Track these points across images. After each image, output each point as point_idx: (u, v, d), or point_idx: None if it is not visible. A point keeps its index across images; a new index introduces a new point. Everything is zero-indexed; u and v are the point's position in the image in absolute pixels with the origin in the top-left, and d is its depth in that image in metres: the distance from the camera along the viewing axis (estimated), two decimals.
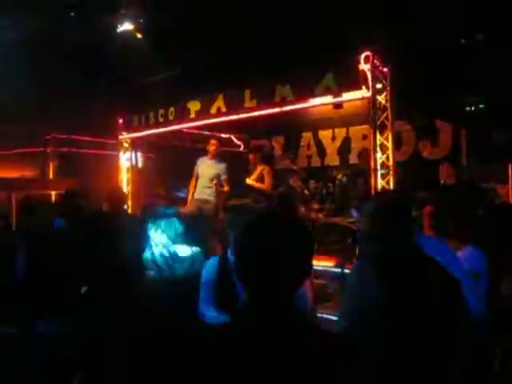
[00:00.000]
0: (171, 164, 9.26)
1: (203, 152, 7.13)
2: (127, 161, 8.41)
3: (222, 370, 1.12)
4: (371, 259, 1.79)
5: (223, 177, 6.80)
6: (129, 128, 8.14)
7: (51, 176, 9.36)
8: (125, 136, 8.22)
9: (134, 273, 2.37)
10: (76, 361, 1.70)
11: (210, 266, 2.81)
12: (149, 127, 7.73)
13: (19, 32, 6.03)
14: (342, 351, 1.13)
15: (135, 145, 8.61)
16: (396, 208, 1.87)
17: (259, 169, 6.76)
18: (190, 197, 6.99)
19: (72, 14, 5.54)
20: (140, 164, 9.95)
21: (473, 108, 8.03)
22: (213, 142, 6.85)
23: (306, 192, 7.81)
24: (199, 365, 1.14)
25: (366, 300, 1.66)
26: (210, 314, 2.64)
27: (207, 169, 6.85)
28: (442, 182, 6.73)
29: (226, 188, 6.81)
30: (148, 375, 1.67)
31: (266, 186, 6.67)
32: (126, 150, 8.35)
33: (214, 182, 6.56)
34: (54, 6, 5.71)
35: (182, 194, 8.04)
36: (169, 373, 1.30)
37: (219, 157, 6.93)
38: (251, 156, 6.72)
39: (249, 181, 6.72)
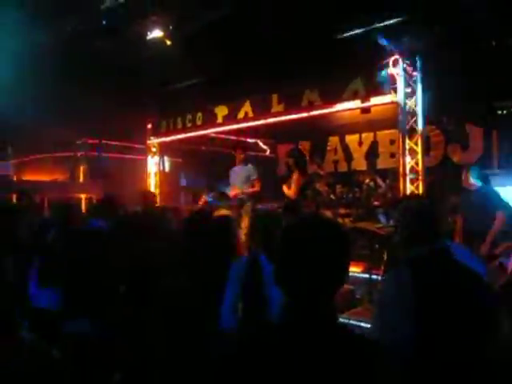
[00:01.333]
0: (199, 168, 9.36)
1: (229, 157, 7.18)
2: (155, 165, 8.53)
3: (264, 374, 1.14)
4: (411, 264, 1.77)
5: (252, 177, 6.80)
6: (157, 133, 8.27)
7: (81, 179, 9.57)
8: (153, 141, 8.35)
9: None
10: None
11: (238, 266, 2.82)
12: (177, 132, 7.84)
13: (52, 36, 6.18)
14: (378, 358, 1.13)
15: (163, 149, 8.74)
16: (429, 213, 1.86)
17: (295, 174, 6.79)
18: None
19: (103, 22, 5.67)
20: (167, 168, 10.09)
21: (504, 112, 7.85)
22: (238, 151, 6.86)
23: (332, 197, 7.78)
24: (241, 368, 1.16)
25: (402, 306, 1.64)
26: (228, 316, 2.65)
27: (235, 177, 6.92)
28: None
29: (256, 188, 6.81)
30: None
31: (292, 192, 6.68)
32: (154, 154, 8.48)
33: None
34: (86, 10, 5.84)
35: (210, 199, 8.08)
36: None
37: (245, 161, 6.96)
38: (290, 161, 6.71)
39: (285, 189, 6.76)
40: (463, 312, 1.67)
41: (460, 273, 1.79)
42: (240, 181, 6.76)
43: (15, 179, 8.92)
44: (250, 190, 6.60)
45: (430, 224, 1.84)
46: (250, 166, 6.83)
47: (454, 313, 1.66)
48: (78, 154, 9.61)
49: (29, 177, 9.04)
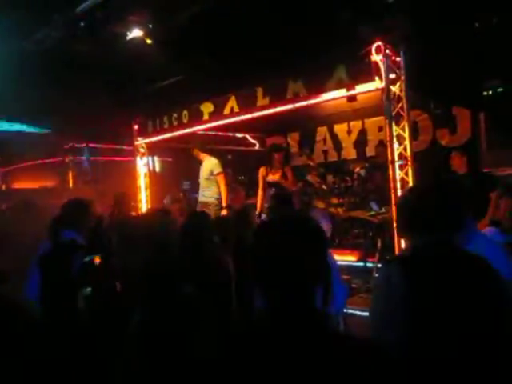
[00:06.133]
0: (188, 166, 9.31)
1: (218, 153, 7.20)
2: (144, 166, 8.47)
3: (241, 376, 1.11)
4: (403, 261, 1.65)
5: (216, 171, 6.81)
6: (144, 133, 8.21)
7: (71, 185, 9.50)
8: (140, 141, 8.29)
9: None
10: None
11: None
12: (164, 131, 7.78)
13: (33, 42, 6.11)
14: (364, 356, 1.10)
15: (151, 149, 8.68)
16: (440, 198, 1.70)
17: (284, 167, 6.76)
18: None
19: (82, 23, 5.59)
20: (158, 168, 10.04)
21: (490, 92, 7.85)
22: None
23: (324, 187, 7.77)
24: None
25: (391, 308, 1.56)
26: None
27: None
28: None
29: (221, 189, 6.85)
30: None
31: (289, 183, 6.68)
32: (143, 155, 8.42)
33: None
34: (65, 16, 5.77)
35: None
36: None
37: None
38: (276, 155, 6.68)
39: (272, 177, 6.70)
40: (468, 318, 1.51)
41: (465, 272, 1.60)
42: (203, 183, 6.81)
43: (4, 188, 8.85)
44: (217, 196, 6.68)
45: (426, 212, 1.67)
46: (212, 159, 6.84)
47: (454, 319, 1.51)
48: (66, 160, 9.53)
49: (17, 185, 8.97)
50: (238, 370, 1.11)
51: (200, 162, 6.96)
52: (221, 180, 6.65)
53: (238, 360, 1.12)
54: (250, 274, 1.19)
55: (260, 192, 6.85)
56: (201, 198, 6.91)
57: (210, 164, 6.77)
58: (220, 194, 6.67)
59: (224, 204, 6.56)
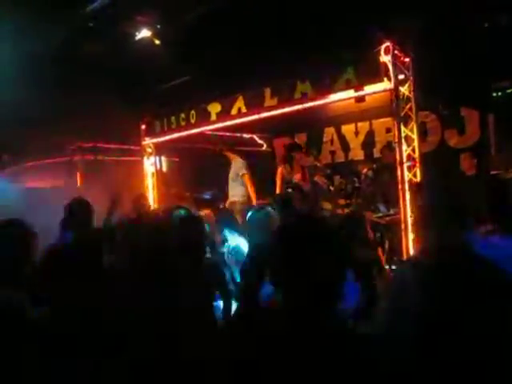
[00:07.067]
0: (196, 166, 9.32)
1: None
2: (151, 165, 8.49)
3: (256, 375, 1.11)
4: (417, 263, 1.63)
5: (241, 172, 6.93)
6: (152, 133, 8.23)
7: (79, 184, 9.53)
8: (148, 141, 8.31)
9: None
10: None
11: None
12: (171, 131, 7.79)
13: (43, 43, 6.15)
14: (376, 356, 1.10)
15: (159, 149, 8.70)
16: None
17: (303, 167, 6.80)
18: None
19: (90, 24, 5.62)
20: (164, 168, 10.05)
21: (500, 93, 7.79)
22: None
23: (331, 188, 7.75)
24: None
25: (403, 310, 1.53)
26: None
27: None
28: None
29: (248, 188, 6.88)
30: None
31: (307, 183, 6.74)
32: (150, 154, 8.44)
33: None
34: (74, 18, 5.80)
35: (207, 196, 8.09)
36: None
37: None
38: (297, 155, 6.72)
39: (294, 177, 6.75)
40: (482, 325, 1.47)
41: (481, 275, 1.57)
42: (231, 184, 6.86)
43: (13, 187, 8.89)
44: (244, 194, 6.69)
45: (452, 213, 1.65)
46: (239, 160, 6.88)
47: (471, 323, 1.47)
48: (75, 159, 9.56)
49: (26, 184, 9.01)
50: (261, 369, 1.11)
51: (228, 164, 7.08)
52: (247, 181, 6.76)
53: (260, 359, 1.12)
54: (269, 275, 1.20)
55: (278, 192, 6.86)
56: (230, 198, 7.07)
57: (236, 166, 6.91)
58: (245, 192, 6.80)
59: (254, 202, 6.60)
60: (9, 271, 2.24)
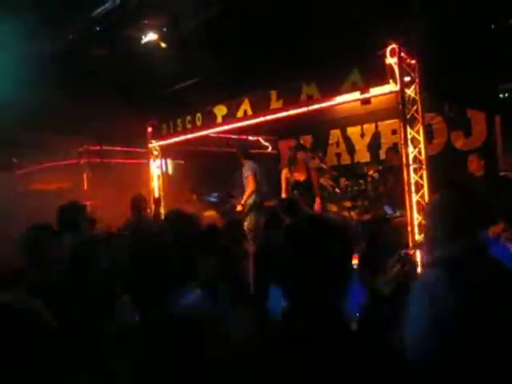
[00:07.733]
0: (201, 169, 9.34)
1: (232, 156, 7.26)
2: (157, 168, 8.53)
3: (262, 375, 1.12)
4: (447, 264, 1.57)
5: (246, 174, 6.91)
6: (158, 136, 8.27)
7: (85, 187, 9.58)
8: (154, 144, 8.35)
9: None
10: None
11: None
12: (177, 134, 7.82)
13: (50, 46, 6.20)
14: (386, 358, 1.11)
15: (165, 152, 8.73)
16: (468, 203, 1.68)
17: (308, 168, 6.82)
18: None
19: (97, 28, 5.66)
20: (170, 171, 10.08)
21: (506, 94, 7.75)
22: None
23: (337, 190, 7.74)
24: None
25: (443, 312, 1.49)
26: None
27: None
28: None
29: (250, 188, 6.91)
30: None
31: (315, 182, 6.78)
32: (156, 157, 8.48)
33: None
34: (81, 20, 5.85)
35: (213, 199, 8.10)
36: None
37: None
38: (301, 155, 6.74)
39: (297, 177, 6.78)
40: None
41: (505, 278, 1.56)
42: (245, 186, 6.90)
43: (22, 189, 8.96)
44: (246, 197, 6.70)
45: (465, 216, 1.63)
46: (249, 163, 6.90)
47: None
48: (81, 162, 9.62)
49: (34, 187, 9.07)
50: (265, 368, 1.11)
51: (239, 166, 7.10)
52: (249, 181, 6.77)
53: (264, 358, 1.13)
54: (276, 274, 1.21)
55: (284, 195, 6.86)
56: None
57: (244, 168, 6.92)
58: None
59: (242, 202, 6.67)
60: None
